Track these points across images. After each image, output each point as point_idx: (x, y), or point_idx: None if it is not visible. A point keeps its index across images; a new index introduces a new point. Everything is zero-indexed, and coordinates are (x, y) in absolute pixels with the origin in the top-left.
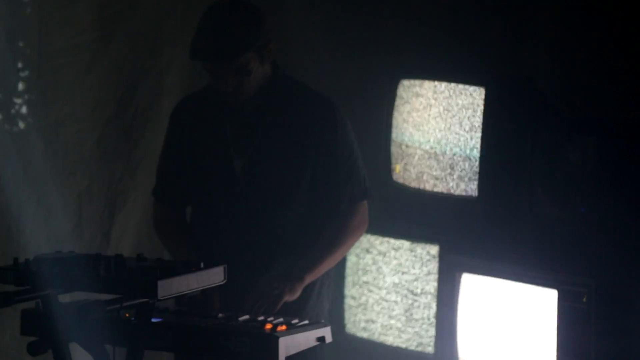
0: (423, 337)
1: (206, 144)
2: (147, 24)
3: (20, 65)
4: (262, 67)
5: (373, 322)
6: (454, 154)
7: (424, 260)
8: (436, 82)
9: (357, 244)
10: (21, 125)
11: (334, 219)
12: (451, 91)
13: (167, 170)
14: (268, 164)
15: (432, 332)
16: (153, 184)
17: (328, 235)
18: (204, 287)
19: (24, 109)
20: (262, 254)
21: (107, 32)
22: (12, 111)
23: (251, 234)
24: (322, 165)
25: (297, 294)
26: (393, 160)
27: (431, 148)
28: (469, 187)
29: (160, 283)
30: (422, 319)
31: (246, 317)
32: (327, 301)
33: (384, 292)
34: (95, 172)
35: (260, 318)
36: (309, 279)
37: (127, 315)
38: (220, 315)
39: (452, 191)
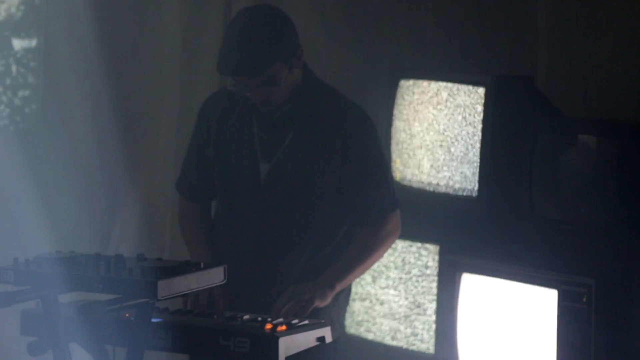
0: (423, 337)
1: (233, 144)
2: (148, 22)
3: (22, 64)
4: (291, 75)
5: (373, 322)
6: (454, 154)
7: (424, 260)
8: (436, 82)
9: None
10: (21, 125)
11: (365, 228)
12: (451, 91)
13: (191, 162)
14: (293, 172)
15: (432, 332)
16: (153, 184)
17: (360, 244)
18: (204, 287)
19: (24, 109)
20: (281, 262)
21: (107, 31)
22: (13, 111)
23: (270, 242)
24: (351, 175)
25: (328, 300)
26: (393, 160)
27: (431, 148)
28: (469, 187)
29: (160, 283)
30: (422, 319)
31: (247, 317)
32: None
33: (384, 291)
34: (95, 172)
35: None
36: (339, 287)
37: (127, 315)
38: (220, 315)
39: (452, 191)
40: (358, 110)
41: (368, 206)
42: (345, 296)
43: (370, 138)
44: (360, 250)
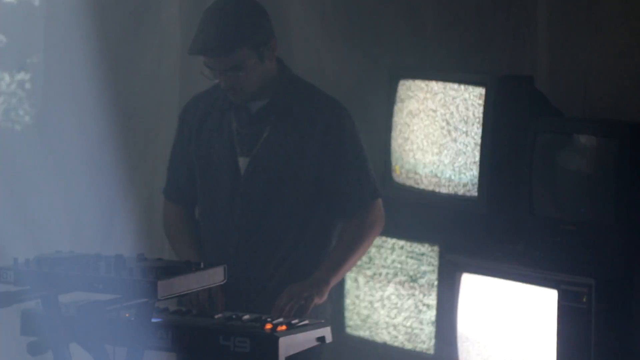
0: (423, 337)
1: (213, 142)
2: (145, 19)
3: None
4: (261, 65)
5: (373, 322)
6: (454, 154)
7: (424, 260)
8: (436, 82)
9: None
10: (20, 125)
11: (348, 220)
12: (451, 91)
13: (176, 168)
14: (272, 165)
15: (432, 332)
16: (153, 184)
17: (346, 236)
18: (204, 287)
19: (24, 110)
20: (263, 255)
21: (106, 30)
22: (12, 111)
23: (252, 235)
24: (330, 167)
25: (325, 297)
26: (393, 160)
27: (431, 148)
28: (469, 187)
29: (160, 283)
30: (422, 319)
31: (247, 316)
32: (329, 303)
33: (383, 291)
34: (95, 172)
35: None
36: (334, 281)
37: (127, 315)
38: (220, 315)
39: (452, 191)
40: (335, 103)
41: (348, 196)
42: (335, 290)
43: (347, 129)
44: (348, 243)
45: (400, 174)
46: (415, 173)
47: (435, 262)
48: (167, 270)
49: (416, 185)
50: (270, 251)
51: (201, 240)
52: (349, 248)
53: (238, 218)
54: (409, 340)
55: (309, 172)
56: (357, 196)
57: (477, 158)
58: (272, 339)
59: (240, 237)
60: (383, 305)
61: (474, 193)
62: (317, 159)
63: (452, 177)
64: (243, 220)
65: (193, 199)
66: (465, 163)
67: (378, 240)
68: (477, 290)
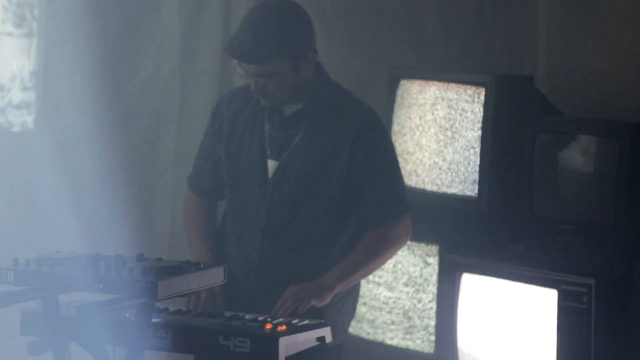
0: (423, 337)
1: (244, 143)
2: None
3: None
4: (294, 75)
5: (373, 322)
6: (454, 154)
7: (424, 260)
8: (436, 82)
9: None
10: (20, 125)
11: (373, 231)
12: (451, 91)
13: (202, 161)
14: (301, 170)
15: (432, 332)
16: (153, 184)
17: (366, 245)
18: (204, 287)
19: (23, 109)
20: (283, 262)
21: (106, 30)
22: (12, 111)
23: (276, 240)
24: (359, 178)
25: (326, 301)
26: None
27: (431, 148)
28: (469, 187)
29: (160, 283)
30: (422, 319)
31: (247, 316)
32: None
33: (384, 291)
34: (95, 172)
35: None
36: (339, 288)
37: (127, 315)
38: (220, 315)
39: (451, 191)
40: (369, 111)
41: (375, 209)
42: (351, 302)
43: (379, 140)
44: (366, 252)
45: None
46: (416, 173)
47: (435, 262)
48: (167, 270)
49: (416, 186)
50: (294, 257)
51: (223, 239)
52: (365, 258)
53: (263, 222)
54: (409, 340)
55: (337, 181)
56: (384, 209)
57: (477, 158)
58: (272, 339)
59: (264, 241)
60: (383, 305)
61: (474, 193)
62: (346, 168)
63: (452, 177)
64: (268, 225)
65: (215, 193)
66: (465, 163)
67: None
68: (477, 290)
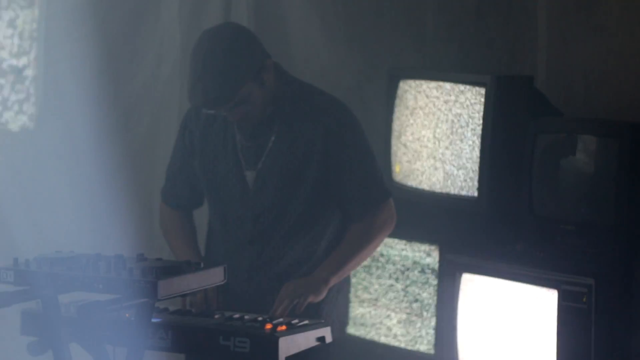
0: (423, 337)
1: (218, 157)
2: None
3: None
4: (263, 90)
5: (373, 322)
6: (454, 154)
7: (424, 260)
8: (436, 82)
9: None
10: (20, 125)
11: (357, 223)
12: (451, 91)
13: (175, 174)
14: (279, 176)
15: (432, 332)
16: (153, 184)
17: (352, 236)
18: (204, 287)
19: (24, 110)
20: (274, 265)
21: (106, 31)
22: (12, 111)
23: (265, 248)
24: (335, 172)
25: (322, 295)
26: (393, 160)
27: (431, 148)
28: (469, 187)
29: (160, 283)
30: (422, 319)
31: (247, 317)
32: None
33: (384, 292)
34: (95, 172)
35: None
36: (333, 281)
37: (127, 315)
38: (220, 315)
39: (451, 191)
40: (337, 104)
41: (356, 201)
42: (345, 295)
43: (349, 134)
44: (353, 244)
45: (400, 174)
46: (416, 173)
47: (435, 262)
48: (167, 270)
49: (416, 185)
50: (285, 259)
51: (212, 250)
52: (354, 248)
53: (250, 233)
54: (409, 340)
55: (316, 178)
56: (365, 200)
57: (477, 158)
58: (272, 339)
59: (253, 251)
60: (383, 305)
61: (474, 193)
62: (322, 164)
63: (452, 177)
64: (255, 235)
65: (191, 203)
66: (466, 163)
67: None
68: (477, 290)
